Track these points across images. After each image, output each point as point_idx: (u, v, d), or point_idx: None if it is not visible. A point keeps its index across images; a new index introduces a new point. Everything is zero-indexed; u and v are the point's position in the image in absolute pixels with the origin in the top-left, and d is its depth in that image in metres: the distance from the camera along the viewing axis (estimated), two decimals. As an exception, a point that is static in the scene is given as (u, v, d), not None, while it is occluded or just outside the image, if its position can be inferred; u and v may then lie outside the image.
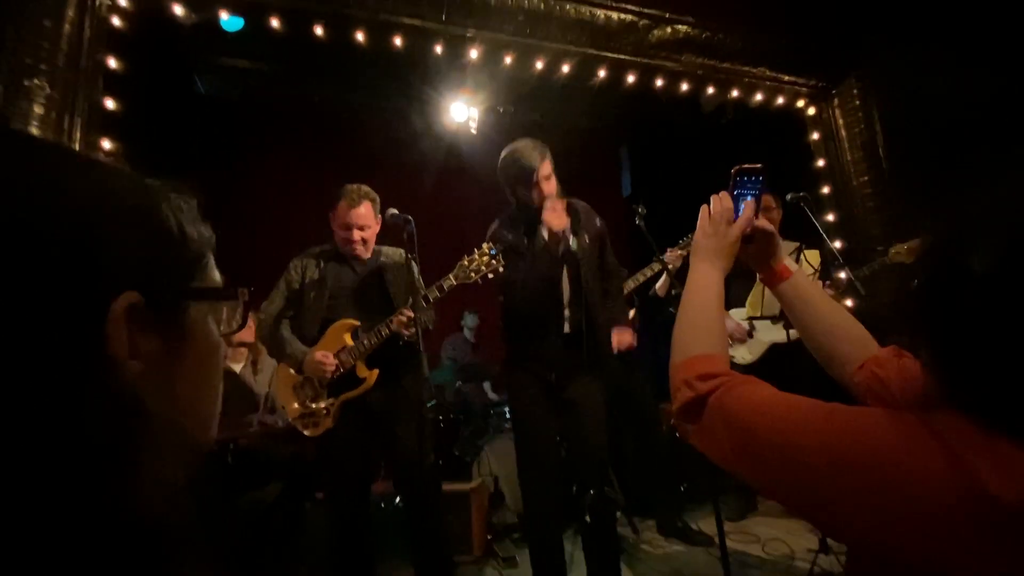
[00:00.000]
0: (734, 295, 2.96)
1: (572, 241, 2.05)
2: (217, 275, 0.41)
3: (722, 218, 0.81)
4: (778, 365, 2.83)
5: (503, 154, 2.05)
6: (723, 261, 0.79)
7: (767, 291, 2.50)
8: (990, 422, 0.45)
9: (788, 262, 0.86)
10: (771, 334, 2.85)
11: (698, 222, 0.83)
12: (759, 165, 0.83)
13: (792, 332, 2.68)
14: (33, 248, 0.28)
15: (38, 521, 0.27)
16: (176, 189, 0.38)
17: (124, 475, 0.30)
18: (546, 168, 1.97)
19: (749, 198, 0.82)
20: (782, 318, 2.64)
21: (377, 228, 2.21)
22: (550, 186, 1.98)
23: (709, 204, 0.83)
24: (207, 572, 0.33)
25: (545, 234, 2.00)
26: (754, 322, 2.87)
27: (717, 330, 0.73)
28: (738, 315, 2.94)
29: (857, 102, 3.27)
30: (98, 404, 0.29)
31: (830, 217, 3.31)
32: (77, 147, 2.03)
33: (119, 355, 0.31)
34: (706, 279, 0.78)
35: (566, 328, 2.06)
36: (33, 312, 0.28)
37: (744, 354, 2.93)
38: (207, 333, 0.39)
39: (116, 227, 0.32)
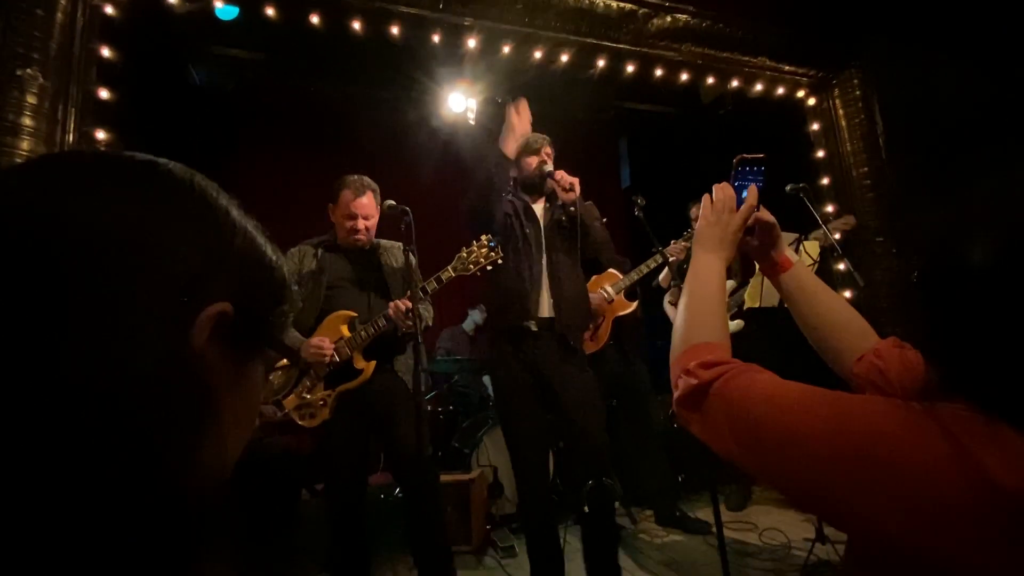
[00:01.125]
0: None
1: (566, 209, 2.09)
2: (295, 306, 0.43)
3: (724, 207, 0.81)
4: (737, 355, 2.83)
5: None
6: (725, 250, 0.79)
7: (766, 282, 2.50)
8: (992, 412, 0.44)
9: (789, 253, 0.86)
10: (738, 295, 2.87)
11: (700, 211, 0.83)
12: (761, 155, 0.83)
13: (738, 323, 2.78)
14: (162, 247, 0.33)
15: (101, 485, 0.28)
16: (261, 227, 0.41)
17: (185, 455, 0.32)
18: (549, 149, 2.18)
19: (751, 187, 0.82)
20: (739, 312, 2.67)
21: (377, 218, 2.20)
22: (551, 162, 2.14)
23: (711, 193, 0.83)
24: (226, 558, 0.34)
25: (555, 189, 2.11)
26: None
27: (719, 319, 0.73)
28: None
29: (857, 93, 3.26)
30: (179, 383, 0.32)
31: (829, 208, 3.30)
32: (71, 137, 2.01)
33: (198, 349, 0.33)
34: (708, 268, 0.78)
35: (545, 311, 2.03)
36: (141, 296, 0.31)
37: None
38: (257, 383, 0.40)
39: (243, 249, 0.37)
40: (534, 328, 2.01)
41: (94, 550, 0.28)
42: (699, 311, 0.74)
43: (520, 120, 2.01)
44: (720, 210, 0.80)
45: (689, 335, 0.72)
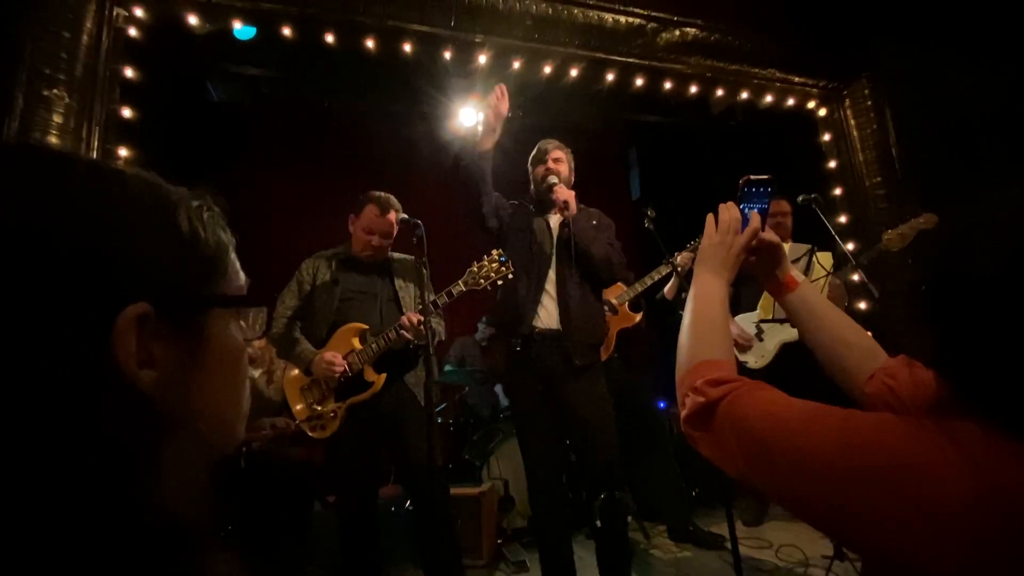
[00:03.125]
0: (744, 300, 2.94)
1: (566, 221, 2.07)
2: (241, 279, 0.40)
3: (728, 228, 0.81)
4: (791, 365, 2.80)
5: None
6: (727, 271, 0.79)
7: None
8: (1005, 426, 0.44)
9: (795, 273, 0.86)
10: (780, 334, 2.82)
11: (704, 231, 0.83)
12: (767, 176, 0.83)
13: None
14: (40, 258, 0.28)
15: (60, 525, 0.27)
16: (198, 196, 0.38)
17: (145, 478, 0.30)
18: (556, 153, 2.18)
19: (756, 209, 0.82)
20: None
21: (394, 237, 2.24)
22: (558, 167, 2.14)
23: (716, 213, 0.83)
24: (228, 569, 0.33)
25: (555, 214, 2.13)
26: (762, 326, 2.84)
27: (722, 337, 0.73)
28: (746, 320, 2.92)
29: (868, 103, 3.24)
30: (109, 412, 0.30)
31: (842, 219, 3.28)
32: (95, 155, 2.08)
33: (127, 365, 0.30)
34: (709, 288, 0.78)
35: (552, 323, 2.03)
36: (41, 322, 0.28)
37: (755, 360, 2.90)
38: (227, 338, 0.38)
39: (127, 236, 0.32)
40: (538, 340, 2.01)
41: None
42: (703, 329, 0.74)
43: (494, 111, 2.01)
44: (724, 231, 0.81)
45: (695, 352, 0.72)
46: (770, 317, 2.40)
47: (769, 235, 0.83)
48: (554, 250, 2.10)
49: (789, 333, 2.73)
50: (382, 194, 2.19)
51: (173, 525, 0.31)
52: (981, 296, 0.46)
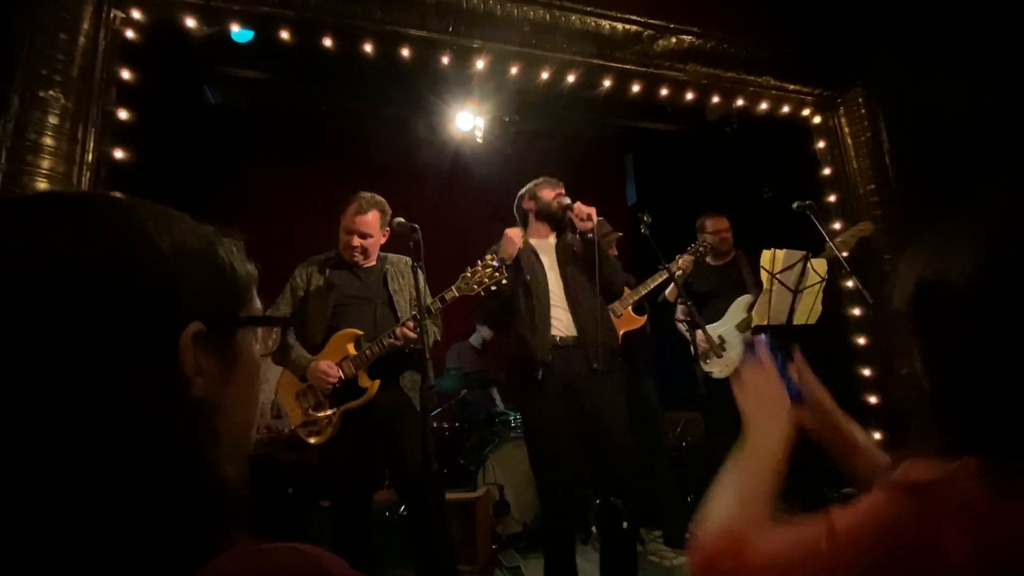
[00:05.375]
0: (708, 311, 2.97)
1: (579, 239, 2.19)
2: (258, 304, 0.49)
3: (772, 390, 0.79)
4: None
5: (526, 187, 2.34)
6: (781, 428, 0.77)
7: (774, 298, 2.49)
8: (1002, 455, 0.44)
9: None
10: (742, 344, 2.87)
11: (741, 398, 0.80)
12: (764, 335, 0.84)
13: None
14: (121, 291, 0.36)
15: (147, 489, 0.34)
16: (227, 233, 0.47)
17: (203, 462, 0.38)
18: (561, 189, 2.29)
19: (777, 359, 0.82)
20: (759, 328, 2.67)
21: (383, 239, 2.22)
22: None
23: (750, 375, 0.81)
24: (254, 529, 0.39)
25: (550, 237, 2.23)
26: (724, 337, 2.89)
27: (762, 501, 0.69)
28: (713, 331, 2.94)
29: (863, 111, 3.27)
30: (176, 411, 0.37)
31: (837, 226, 3.30)
32: (90, 156, 2.07)
33: (189, 373, 0.38)
34: (763, 444, 0.75)
35: (569, 331, 2.08)
36: (122, 342, 0.35)
37: (719, 369, 2.90)
38: (251, 354, 0.46)
39: (186, 270, 0.40)
40: (561, 347, 2.04)
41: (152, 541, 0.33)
42: (745, 488, 0.71)
43: (516, 235, 2.17)
44: (767, 391, 0.79)
45: (724, 514, 0.68)
46: (765, 323, 2.41)
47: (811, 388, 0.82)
48: (556, 267, 2.16)
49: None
50: (367, 194, 2.17)
51: (230, 491, 0.39)
52: (960, 312, 0.46)
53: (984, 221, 0.49)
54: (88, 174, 2.05)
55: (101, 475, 0.32)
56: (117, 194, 0.44)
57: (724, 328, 2.93)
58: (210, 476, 0.37)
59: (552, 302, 2.10)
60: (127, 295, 0.36)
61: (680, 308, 3.04)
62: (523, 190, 2.34)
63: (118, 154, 2.19)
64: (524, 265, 2.16)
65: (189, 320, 0.39)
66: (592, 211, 2.12)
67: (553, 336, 2.05)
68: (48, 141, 1.94)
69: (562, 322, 2.08)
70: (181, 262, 0.40)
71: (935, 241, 0.52)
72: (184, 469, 0.36)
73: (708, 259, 3.07)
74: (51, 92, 1.95)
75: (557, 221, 2.25)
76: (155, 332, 0.37)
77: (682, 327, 3.05)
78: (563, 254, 2.20)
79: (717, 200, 3.61)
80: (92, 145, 2.07)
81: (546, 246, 2.24)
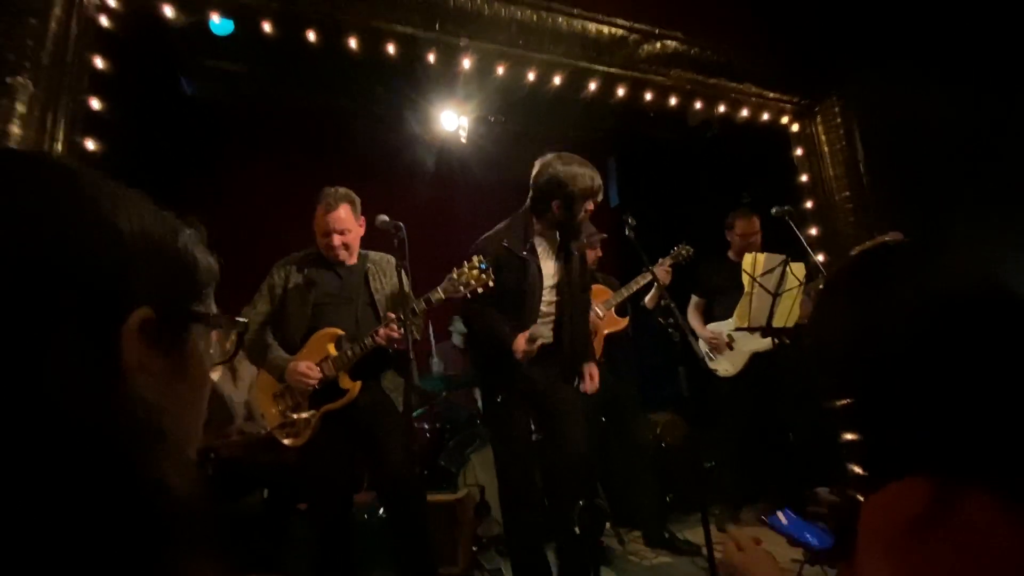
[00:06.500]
0: (718, 311, 3.02)
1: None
2: (214, 306, 0.44)
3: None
4: (761, 374, 2.89)
5: (567, 166, 2.08)
6: None
7: (755, 301, 2.53)
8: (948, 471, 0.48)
9: None
10: (751, 343, 2.90)
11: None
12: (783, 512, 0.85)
13: (769, 340, 2.75)
14: (62, 265, 0.32)
15: (81, 499, 0.29)
16: (190, 222, 0.42)
17: (147, 468, 0.33)
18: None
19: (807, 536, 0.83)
20: (768, 329, 2.70)
21: (360, 231, 2.17)
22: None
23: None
24: (214, 556, 0.35)
25: (575, 251, 2.18)
26: (734, 335, 2.92)
27: None
28: (721, 329, 2.99)
29: (838, 120, 3.36)
30: (113, 407, 0.32)
31: (813, 231, 3.38)
32: (59, 146, 1.99)
33: (131, 365, 0.34)
34: None
35: (547, 339, 2.10)
36: (59, 320, 0.31)
37: (726, 366, 2.96)
38: (201, 359, 0.42)
39: (139, 252, 0.36)
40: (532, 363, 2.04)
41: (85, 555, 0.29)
42: None
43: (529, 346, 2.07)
44: None
45: None
46: (746, 325, 2.45)
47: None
48: (558, 273, 2.15)
49: (760, 343, 2.81)
50: (331, 189, 2.11)
51: (177, 499, 0.33)
52: (897, 373, 0.51)
53: (918, 278, 0.54)
54: (57, 165, 1.97)
55: (20, 469, 0.28)
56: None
57: (733, 327, 2.92)
58: (150, 483, 0.32)
59: (541, 310, 2.10)
60: (69, 270, 0.32)
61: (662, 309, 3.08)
62: (561, 174, 2.06)
63: (89, 145, 2.11)
64: (529, 273, 2.12)
65: (137, 306, 0.34)
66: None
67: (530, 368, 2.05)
68: (15, 130, 1.86)
69: (547, 327, 2.09)
70: (135, 243, 0.36)
71: (863, 293, 0.57)
72: (117, 471, 0.31)
73: (731, 256, 3.09)
74: (19, 78, 1.87)
75: (575, 234, 2.16)
76: (97, 315, 0.33)
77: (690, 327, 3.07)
78: (563, 263, 2.18)
79: (699, 203, 3.66)
80: (62, 135, 1.99)
81: (547, 249, 2.20)
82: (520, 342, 1.97)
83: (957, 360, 0.49)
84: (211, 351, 0.44)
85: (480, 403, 3.93)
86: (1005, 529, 0.43)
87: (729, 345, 2.96)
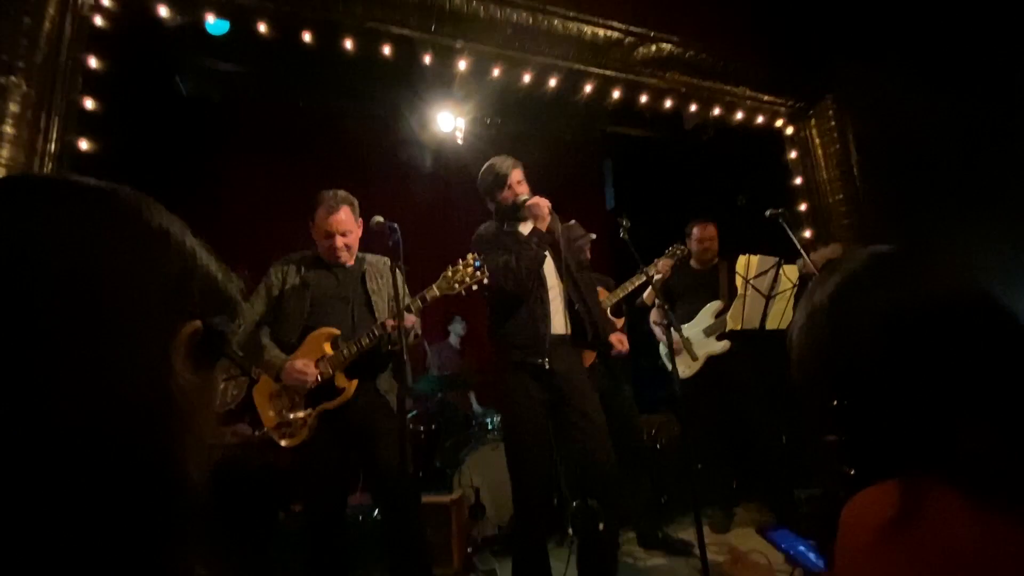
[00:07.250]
0: (683, 313, 3.07)
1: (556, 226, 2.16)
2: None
3: None
4: (718, 375, 2.98)
5: (481, 171, 2.25)
6: None
7: (747, 304, 2.55)
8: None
9: None
10: (707, 347, 2.99)
11: None
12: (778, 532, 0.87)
13: (724, 343, 2.91)
14: (147, 285, 0.37)
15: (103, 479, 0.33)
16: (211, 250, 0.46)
17: (174, 460, 0.37)
18: (517, 175, 2.20)
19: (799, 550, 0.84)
20: (724, 333, 2.78)
21: (359, 232, 2.18)
22: (522, 188, 2.20)
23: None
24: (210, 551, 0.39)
25: (529, 222, 2.16)
26: (691, 339, 3.00)
27: None
28: (685, 330, 3.03)
29: (832, 123, 3.39)
30: (157, 403, 0.37)
31: (807, 234, 3.40)
32: (52, 146, 1.98)
33: (176, 368, 0.38)
34: None
35: (560, 328, 2.10)
36: (123, 326, 0.36)
37: (683, 369, 2.98)
38: (216, 384, 0.46)
39: (195, 272, 0.41)
40: (547, 362, 2.03)
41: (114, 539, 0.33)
42: None
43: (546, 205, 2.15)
44: None
45: None
46: (739, 327, 2.47)
47: None
48: (561, 260, 2.15)
49: (715, 347, 2.95)
50: (329, 192, 2.12)
51: (193, 491, 0.38)
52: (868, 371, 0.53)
53: (896, 285, 0.56)
54: (51, 164, 1.96)
55: (72, 462, 0.32)
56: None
57: (693, 331, 3.04)
58: (178, 474, 0.37)
59: (549, 298, 2.10)
60: (147, 280, 0.37)
61: (655, 311, 3.10)
62: (480, 176, 2.25)
63: (83, 144, 2.10)
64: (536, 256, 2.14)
65: (187, 318, 0.39)
66: (541, 203, 2.11)
67: (551, 331, 2.06)
68: (8, 129, 1.85)
69: (557, 320, 2.09)
70: (194, 261, 0.41)
71: (843, 298, 0.59)
72: (155, 462, 0.35)
73: (692, 263, 3.17)
74: (12, 78, 1.86)
75: (523, 218, 2.19)
76: (157, 322, 0.37)
77: (657, 329, 3.12)
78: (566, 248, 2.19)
79: (694, 206, 3.68)
80: (55, 135, 1.98)
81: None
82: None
83: (924, 366, 0.51)
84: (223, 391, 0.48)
85: (475, 405, 3.94)
86: (971, 527, 0.44)
87: (688, 348, 3.01)
